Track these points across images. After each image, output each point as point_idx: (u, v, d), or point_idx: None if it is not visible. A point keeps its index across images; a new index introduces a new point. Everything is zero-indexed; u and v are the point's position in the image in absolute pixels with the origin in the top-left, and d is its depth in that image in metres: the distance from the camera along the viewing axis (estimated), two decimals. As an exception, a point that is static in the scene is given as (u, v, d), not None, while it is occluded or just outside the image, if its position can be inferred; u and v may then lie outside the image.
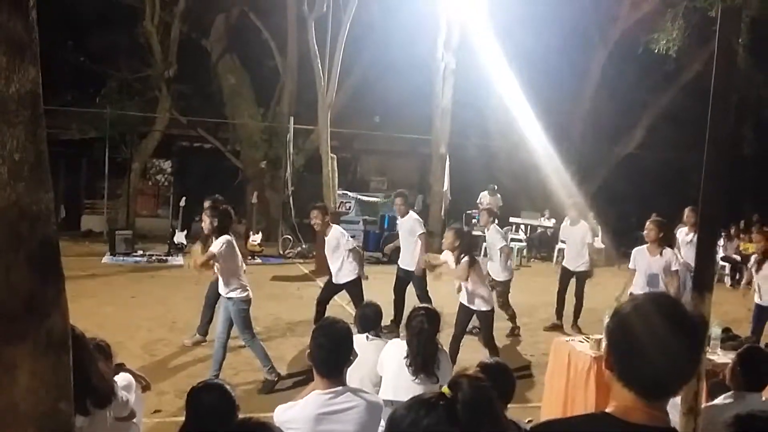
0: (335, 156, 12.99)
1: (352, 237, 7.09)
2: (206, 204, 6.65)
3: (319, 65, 12.31)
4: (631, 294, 5.94)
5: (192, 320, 6.73)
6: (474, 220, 13.19)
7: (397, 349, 3.65)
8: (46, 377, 1.75)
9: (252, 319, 5.59)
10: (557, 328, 7.73)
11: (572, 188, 12.82)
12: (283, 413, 2.63)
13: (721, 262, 12.12)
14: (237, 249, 5.45)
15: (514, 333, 7.49)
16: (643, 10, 12.85)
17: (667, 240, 6.18)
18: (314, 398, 2.61)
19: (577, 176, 14.25)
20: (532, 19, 13.24)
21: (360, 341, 3.59)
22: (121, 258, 11.41)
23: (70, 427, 1.90)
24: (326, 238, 6.65)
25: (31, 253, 1.72)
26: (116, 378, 2.75)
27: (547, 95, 13.78)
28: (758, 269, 6.60)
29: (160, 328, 7.07)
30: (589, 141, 15.98)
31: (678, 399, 2.87)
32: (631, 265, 6.26)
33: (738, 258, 12.33)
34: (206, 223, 5.57)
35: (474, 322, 6.19)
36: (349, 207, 13.78)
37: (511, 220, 14.46)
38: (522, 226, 14.75)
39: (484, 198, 14.31)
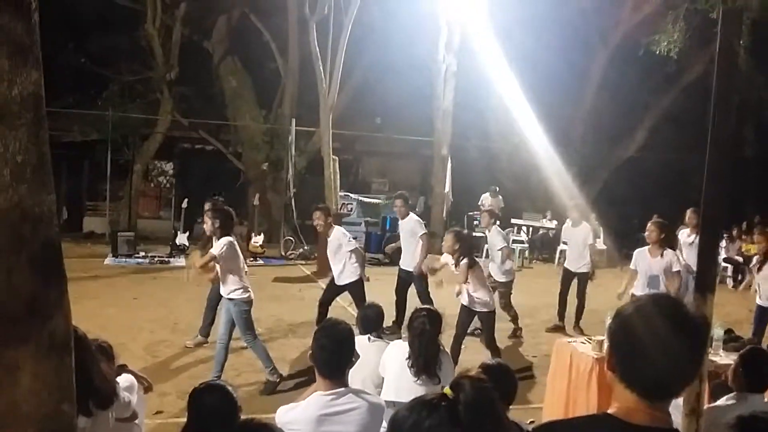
0: (337, 158, 12.99)
1: (353, 239, 7.10)
2: (207, 206, 6.67)
3: (321, 67, 12.32)
4: (632, 295, 5.95)
5: (194, 322, 6.74)
6: (475, 222, 13.18)
7: (398, 350, 3.66)
8: (48, 379, 1.76)
9: (254, 321, 5.59)
10: (559, 329, 7.73)
11: (574, 190, 12.81)
12: (284, 414, 2.63)
13: (723, 264, 12.10)
14: (239, 250, 5.46)
15: (515, 334, 7.48)
16: (644, 12, 12.84)
17: (668, 241, 6.18)
18: (316, 399, 2.61)
19: (579, 178, 14.24)
20: (532, 21, 13.25)
21: (362, 342, 3.59)
22: (123, 259, 11.42)
23: (73, 429, 1.90)
24: (328, 239, 6.67)
25: (33, 255, 1.72)
26: (118, 379, 2.75)
27: (548, 97, 13.78)
28: (759, 270, 6.59)
29: (162, 329, 7.07)
30: (591, 142, 15.97)
31: (680, 400, 2.86)
32: (632, 266, 6.26)
33: (740, 259, 12.30)
34: (208, 224, 5.58)
35: (476, 323, 6.18)
36: (351, 209, 13.78)
37: (513, 221, 14.44)
38: (524, 228, 14.74)
39: (486, 200, 14.31)
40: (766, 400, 3.14)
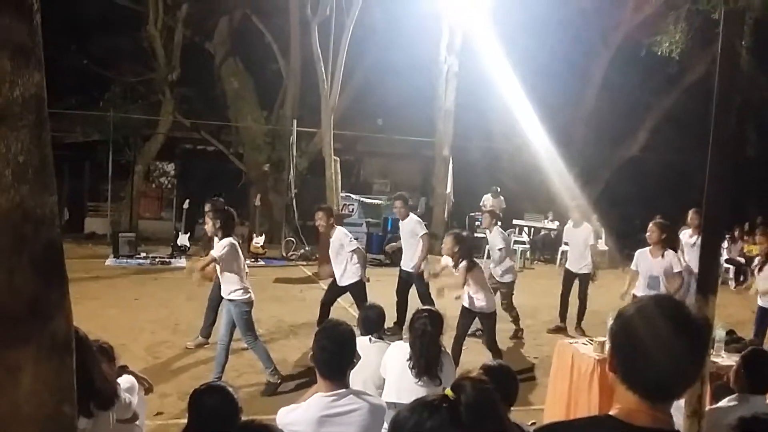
0: (338, 158, 13.01)
1: (355, 239, 7.10)
2: (207, 207, 6.68)
3: (322, 68, 12.33)
4: (633, 296, 5.94)
5: (195, 322, 6.74)
6: (477, 223, 13.18)
7: (400, 351, 3.65)
8: (49, 380, 1.76)
9: (255, 322, 5.60)
10: (561, 330, 7.72)
11: (575, 190, 12.80)
12: (285, 415, 2.63)
13: (725, 265, 12.08)
14: (240, 251, 5.46)
15: (517, 335, 7.48)
16: (646, 13, 12.84)
17: (669, 242, 6.17)
18: (317, 400, 2.60)
19: (581, 178, 14.23)
20: (534, 22, 13.24)
21: (363, 343, 3.59)
22: (125, 260, 11.43)
23: (74, 430, 1.90)
24: (330, 240, 6.68)
25: (34, 256, 1.72)
26: (119, 380, 2.75)
27: (550, 98, 13.77)
28: (760, 270, 6.58)
29: (163, 330, 7.08)
30: (592, 143, 15.96)
31: (682, 402, 2.86)
32: (632, 267, 6.26)
33: (742, 260, 12.29)
34: (209, 225, 5.58)
35: (477, 324, 6.18)
36: (352, 209, 13.78)
37: (515, 222, 14.44)
38: (525, 229, 14.73)
39: (487, 200, 14.31)
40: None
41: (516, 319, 7.49)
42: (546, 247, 14.62)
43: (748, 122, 15.50)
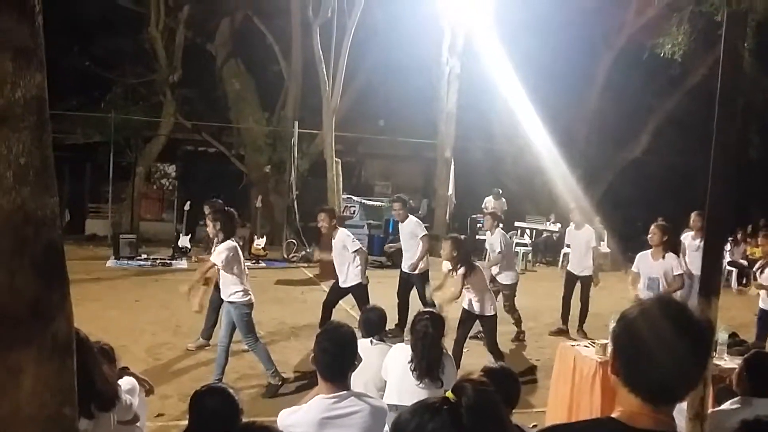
0: (340, 160, 13.01)
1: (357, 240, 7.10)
2: (206, 209, 6.68)
3: (324, 70, 12.34)
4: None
5: (196, 324, 6.74)
6: (479, 225, 13.18)
7: (401, 353, 3.65)
8: (50, 381, 1.75)
9: (256, 323, 5.60)
10: (563, 332, 7.71)
11: (578, 193, 12.80)
12: (287, 417, 2.62)
13: (728, 267, 12.06)
14: (240, 254, 5.45)
15: (519, 337, 7.46)
16: (648, 15, 12.83)
17: (671, 244, 6.15)
18: (318, 402, 2.60)
19: (583, 181, 14.23)
20: (536, 23, 13.24)
21: (364, 345, 3.58)
22: (126, 262, 11.44)
23: (74, 432, 1.90)
24: (333, 241, 6.68)
25: (36, 258, 1.72)
26: (120, 381, 2.75)
27: (553, 99, 13.77)
28: (762, 273, 6.56)
29: (164, 331, 7.07)
30: (595, 145, 15.96)
31: (684, 404, 2.85)
32: (633, 269, 6.24)
33: (745, 263, 12.26)
34: (210, 227, 5.58)
35: (478, 326, 6.17)
36: (354, 211, 13.78)
37: (517, 224, 14.43)
38: (527, 231, 14.72)
39: (489, 202, 14.30)
40: (770, 404, 3.12)
41: (518, 322, 7.48)
42: (548, 250, 14.61)
43: (751, 124, 15.48)
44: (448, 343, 4.57)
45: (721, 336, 4.64)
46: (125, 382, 2.80)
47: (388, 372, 3.67)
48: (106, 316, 7.34)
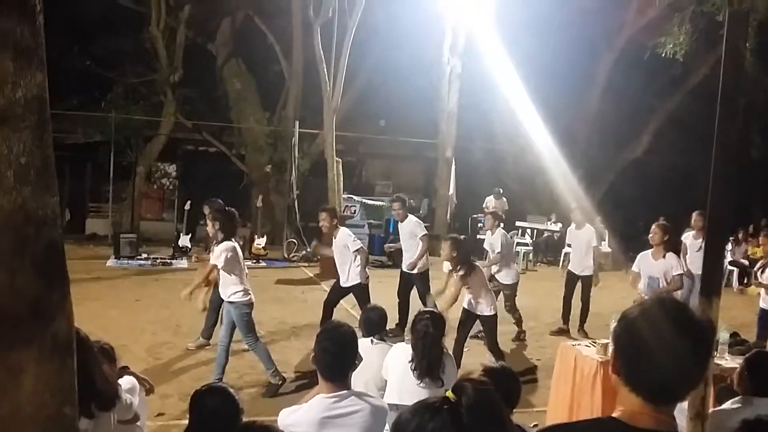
0: (340, 160, 13.01)
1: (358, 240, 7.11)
2: (205, 210, 6.68)
3: (325, 69, 12.34)
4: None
5: (196, 324, 6.74)
6: (480, 225, 13.17)
7: (402, 352, 3.65)
8: (51, 381, 1.75)
9: (256, 323, 5.60)
10: (563, 332, 7.71)
11: (579, 192, 12.79)
12: (287, 417, 2.62)
13: (729, 267, 12.05)
14: (240, 253, 5.45)
15: (519, 337, 7.46)
16: (650, 15, 12.82)
17: (671, 244, 6.15)
18: (319, 402, 2.60)
19: (584, 180, 14.23)
20: (537, 24, 13.24)
21: (365, 345, 3.58)
22: (126, 261, 11.44)
23: (75, 431, 1.90)
24: (334, 241, 6.69)
25: (36, 257, 1.72)
26: (120, 381, 2.75)
27: (554, 99, 13.77)
28: (763, 272, 6.56)
29: (164, 331, 7.08)
30: (596, 145, 15.95)
31: (685, 404, 2.85)
32: (634, 268, 6.24)
33: (746, 262, 12.26)
34: (209, 226, 5.58)
35: (479, 326, 6.17)
36: (354, 211, 13.78)
37: (518, 224, 14.43)
38: (528, 230, 14.72)
39: (490, 202, 14.30)
40: (771, 404, 3.11)
41: (519, 321, 7.48)
42: (549, 249, 14.61)
43: (753, 124, 15.47)
44: (449, 342, 4.57)
45: (722, 335, 4.64)
46: (125, 382, 2.80)
47: (389, 371, 3.67)
48: (106, 315, 7.34)
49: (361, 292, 6.62)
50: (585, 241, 7.83)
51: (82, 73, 14.28)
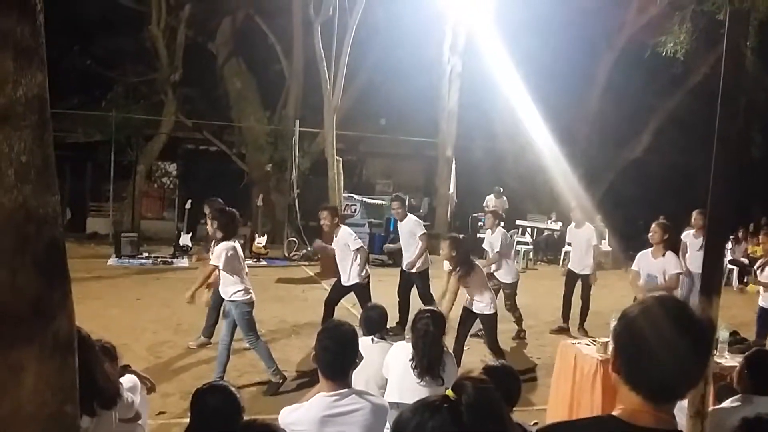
0: (341, 159, 13.00)
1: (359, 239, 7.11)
2: (206, 209, 6.68)
3: (325, 68, 12.33)
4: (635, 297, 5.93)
5: (197, 322, 6.74)
6: (480, 223, 13.17)
7: (402, 351, 3.65)
8: (52, 380, 1.76)
9: (257, 322, 5.60)
10: (564, 330, 7.71)
11: (579, 191, 12.79)
12: (288, 415, 2.63)
13: (729, 266, 12.05)
14: (240, 253, 5.46)
15: (520, 336, 7.47)
16: (650, 14, 12.81)
17: (671, 243, 6.15)
18: (319, 400, 2.60)
19: (584, 179, 14.22)
20: (537, 23, 13.23)
21: (365, 343, 3.58)
22: (127, 260, 11.45)
23: (76, 430, 1.90)
24: (335, 239, 6.69)
25: (37, 256, 1.73)
26: (121, 379, 2.76)
27: (554, 99, 13.76)
28: (762, 271, 6.56)
29: (165, 330, 7.08)
30: (596, 144, 15.94)
31: (685, 402, 2.85)
32: (634, 267, 6.25)
33: (746, 261, 12.25)
34: (210, 225, 5.59)
35: (479, 324, 6.17)
36: (355, 210, 13.77)
37: (518, 222, 14.43)
38: (528, 229, 14.72)
39: (490, 201, 14.30)
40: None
41: (519, 320, 7.48)
42: (549, 248, 14.61)
43: (753, 123, 15.46)
44: (449, 341, 4.58)
45: (722, 334, 4.64)
46: (126, 380, 2.80)
47: (389, 370, 3.67)
48: (107, 314, 7.35)
49: (362, 290, 6.63)
50: (585, 239, 7.84)
51: (82, 73, 14.29)
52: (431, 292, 7.24)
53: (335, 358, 2.63)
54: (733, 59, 3.00)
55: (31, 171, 1.71)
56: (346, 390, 2.63)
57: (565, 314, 7.87)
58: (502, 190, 14.72)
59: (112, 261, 11.38)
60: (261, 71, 16.04)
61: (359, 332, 3.26)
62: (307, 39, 13.64)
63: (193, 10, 14.81)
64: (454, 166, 14.89)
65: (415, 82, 14.59)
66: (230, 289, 5.36)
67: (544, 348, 7.10)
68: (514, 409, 2.85)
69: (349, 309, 7.35)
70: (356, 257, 6.57)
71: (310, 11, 12.53)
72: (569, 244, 9.19)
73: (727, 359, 4.46)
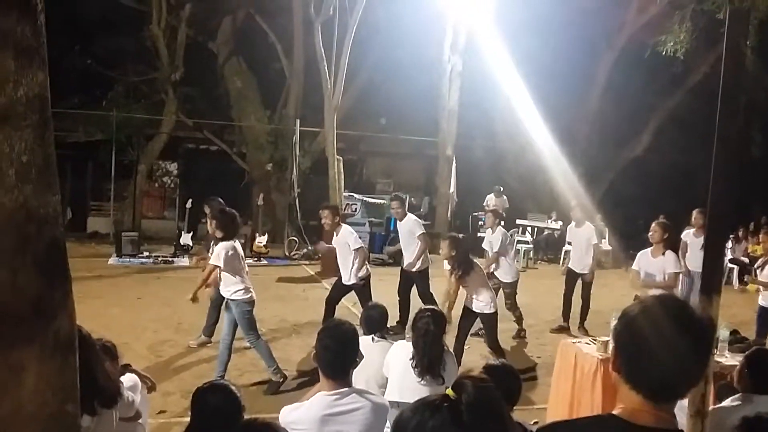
0: (341, 158, 13.01)
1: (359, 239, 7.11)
2: (206, 209, 6.68)
3: (326, 68, 12.33)
4: (635, 296, 5.93)
5: (198, 322, 6.75)
6: (480, 223, 13.17)
7: (402, 350, 3.66)
8: (52, 379, 1.76)
9: (257, 321, 5.61)
10: (564, 329, 7.72)
11: (579, 190, 12.79)
12: (288, 414, 2.63)
13: (729, 265, 12.04)
14: (240, 252, 5.46)
15: (520, 335, 7.47)
16: (650, 14, 12.80)
17: (671, 242, 6.16)
18: (320, 399, 2.61)
19: (585, 179, 14.21)
20: (538, 22, 13.22)
21: (366, 343, 3.59)
22: (128, 259, 11.45)
23: (76, 429, 1.90)
24: (336, 238, 6.69)
25: (38, 256, 1.73)
26: (122, 379, 2.76)
27: (554, 98, 13.75)
28: (762, 270, 6.56)
29: (165, 329, 7.09)
30: (596, 143, 15.94)
31: (685, 401, 2.85)
32: (634, 266, 6.25)
33: (746, 260, 12.25)
34: (210, 225, 5.59)
35: (479, 324, 6.17)
36: (355, 209, 13.77)
37: (518, 222, 14.43)
38: (529, 228, 14.72)
39: (490, 200, 14.29)
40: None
41: (519, 319, 7.48)
42: (549, 247, 14.61)
43: (753, 122, 15.46)
44: (449, 340, 4.58)
45: (722, 333, 4.64)
46: (127, 379, 2.81)
47: (390, 369, 3.68)
48: (108, 313, 7.36)
49: (362, 289, 6.64)
50: (585, 239, 7.84)
51: (83, 72, 14.28)
52: (431, 291, 7.24)
53: (336, 357, 2.63)
54: (733, 58, 3.00)
55: (32, 171, 1.71)
56: (346, 389, 2.63)
57: (566, 313, 7.87)
58: (502, 189, 14.71)
59: (112, 260, 11.39)
60: (261, 70, 16.03)
61: (360, 331, 3.26)
62: (307, 38, 13.64)
63: (193, 10, 14.81)
64: (454, 165, 14.89)
65: (415, 81, 14.59)
66: (231, 288, 5.37)
67: (544, 347, 7.10)
68: (514, 408, 2.85)
69: (349, 308, 7.36)
70: (356, 257, 6.57)
71: (310, 10, 12.53)
72: (569, 244, 9.19)
73: (728, 358, 4.46)
